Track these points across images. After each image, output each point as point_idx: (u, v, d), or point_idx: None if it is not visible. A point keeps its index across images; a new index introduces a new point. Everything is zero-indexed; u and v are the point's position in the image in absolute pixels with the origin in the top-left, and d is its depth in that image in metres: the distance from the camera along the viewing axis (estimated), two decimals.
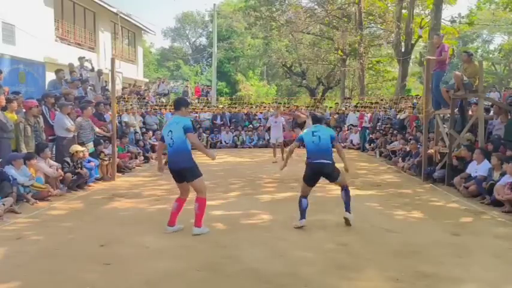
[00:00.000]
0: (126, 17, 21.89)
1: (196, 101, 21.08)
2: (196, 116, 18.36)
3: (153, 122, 15.63)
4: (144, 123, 15.13)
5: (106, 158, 9.56)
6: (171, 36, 53.14)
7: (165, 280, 3.89)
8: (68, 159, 8.26)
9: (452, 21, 23.08)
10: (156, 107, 17.26)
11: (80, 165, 8.38)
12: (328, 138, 5.60)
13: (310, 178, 5.64)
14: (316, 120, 5.99)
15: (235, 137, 18.01)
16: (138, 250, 4.70)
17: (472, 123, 8.63)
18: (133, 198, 7.59)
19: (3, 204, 6.09)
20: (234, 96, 26.63)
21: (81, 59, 14.37)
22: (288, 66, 31.39)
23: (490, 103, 9.94)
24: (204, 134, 17.62)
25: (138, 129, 13.89)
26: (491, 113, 9.70)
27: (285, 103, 22.73)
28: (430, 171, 9.19)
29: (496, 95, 16.34)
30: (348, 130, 17.63)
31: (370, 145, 15.37)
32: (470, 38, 43.04)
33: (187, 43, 53.74)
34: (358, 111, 18.47)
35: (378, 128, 15.69)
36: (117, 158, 9.96)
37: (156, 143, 13.70)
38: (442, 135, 9.47)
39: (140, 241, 4.99)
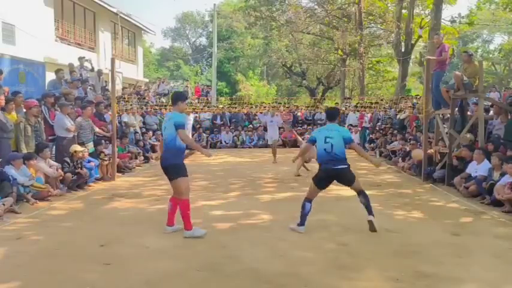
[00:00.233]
0: (126, 17, 21.90)
1: (196, 101, 21.09)
2: (196, 116, 18.36)
3: (153, 122, 15.65)
4: (144, 123, 15.16)
5: (106, 158, 9.55)
6: (171, 36, 53.27)
7: (165, 280, 3.89)
8: (68, 159, 8.27)
9: (452, 21, 23.10)
10: (156, 107, 17.27)
11: (79, 165, 8.38)
12: (341, 142, 5.23)
13: (323, 181, 5.36)
14: (331, 117, 5.57)
15: (235, 137, 18.01)
16: (138, 250, 4.70)
17: (472, 123, 8.63)
18: (133, 198, 7.59)
19: (3, 204, 6.09)
20: (234, 96, 26.69)
21: (81, 59, 14.39)
22: (288, 66, 31.38)
23: (490, 103, 9.94)
24: (204, 134, 17.64)
25: (138, 129, 13.90)
26: (491, 113, 9.70)
27: (285, 103, 22.75)
28: (430, 171, 9.19)
29: (496, 95, 16.33)
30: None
31: (370, 145, 15.38)
32: (470, 38, 43.07)
33: (187, 43, 53.82)
34: (358, 111, 18.49)
35: (377, 128, 15.72)
36: (117, 158, 9.95)
37: (156, 143, 13.75)
38: (442, 135, 9.47)
39: (140, 241, 4.99)
